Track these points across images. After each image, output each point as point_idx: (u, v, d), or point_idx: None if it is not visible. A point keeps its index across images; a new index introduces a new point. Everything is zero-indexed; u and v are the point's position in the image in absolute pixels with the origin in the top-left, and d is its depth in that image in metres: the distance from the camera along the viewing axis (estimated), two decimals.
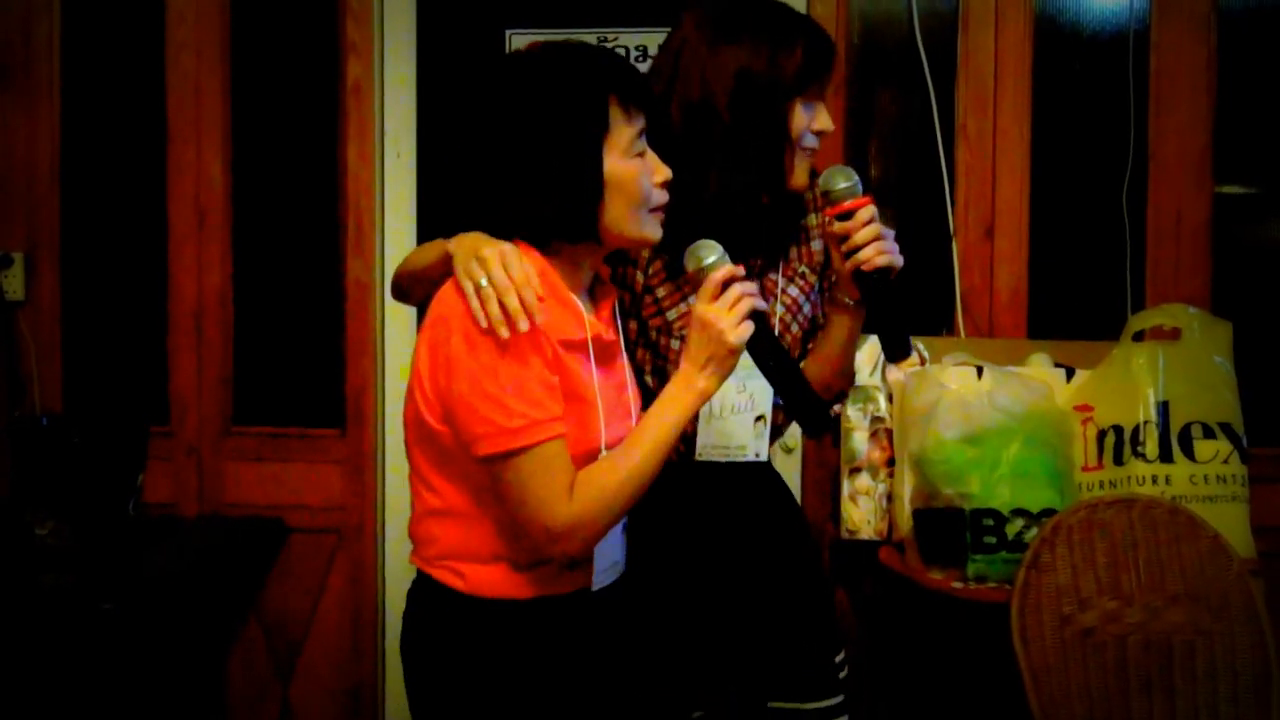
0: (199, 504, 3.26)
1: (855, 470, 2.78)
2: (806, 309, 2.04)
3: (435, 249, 1.75)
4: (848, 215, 1.82)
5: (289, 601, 3.27)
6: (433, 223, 3.26)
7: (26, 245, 3.26)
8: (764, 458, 1.98)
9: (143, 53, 3.25)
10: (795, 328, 2.02)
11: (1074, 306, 3.10)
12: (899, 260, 1.83)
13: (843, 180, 1.83)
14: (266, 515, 3.24)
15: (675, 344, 1.95)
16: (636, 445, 1.65)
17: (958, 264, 3.07)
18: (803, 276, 2.02)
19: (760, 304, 1.68)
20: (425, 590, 1.74)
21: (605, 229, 1.68)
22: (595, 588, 1.74)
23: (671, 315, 1.96)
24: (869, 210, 1.82)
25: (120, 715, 2.73)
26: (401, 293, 1.89)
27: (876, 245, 1.81)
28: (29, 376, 3.26)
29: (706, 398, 1.68)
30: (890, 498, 2.75)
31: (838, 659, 2.07)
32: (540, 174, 1.64)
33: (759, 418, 1.94)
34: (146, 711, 2.86)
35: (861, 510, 2.77)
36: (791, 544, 2.09)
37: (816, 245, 2.03)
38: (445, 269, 1.69)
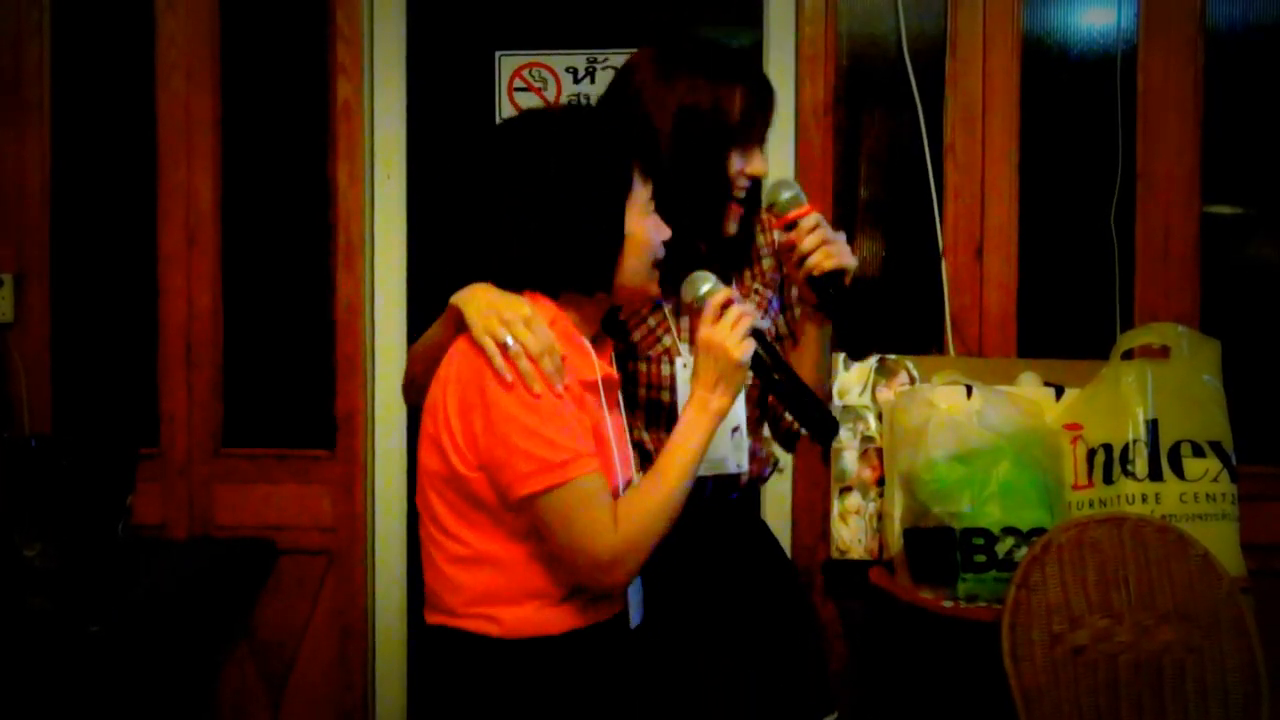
0: (189, 525, 3.25)
1: (845, 490, 2.77)
2: (766, 324, 2.06)
3: (437, 323, 1.80)
4: (792, 225, 1.89)
5: (279, 623, 3.25)
6: (422, 243, 3.26)
7: (16, 266, 3.25)
8: (744, 469, 1.99)
9: (133, 74, 3.25)
10: None
11: (1063, 325, 3.10)
12: (850, 261, 1.89)
13: (785, 192, 1.91)
14: (257, 536, 3.22)
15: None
16: (667, 471, 1.71)
17: (947, 283, 3.08)
18: (757, 293, 2.06)
19: (759, 322, 1.76)
20: (453, 644, 1.73)
21: (619, 283, 1.75)
22: (633, 625, 1.80)
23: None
24: (812, 218, 1.89)
25: None
26: (415, 385, 1.85)
27: (823, 250, 1.87)
28: (18, 398, 3.25)
29: (723, 416, 1.74)
30: (880, 517, 2.74)
31: None
32: (569, 230, 1.70)
33: (734, 429, 1.95)
34: None
35: (852, 530, 2.77)
36: (783, 612, 2.08)
37: (768, 263, 2.08)
38: (456, 329, 1.72)
